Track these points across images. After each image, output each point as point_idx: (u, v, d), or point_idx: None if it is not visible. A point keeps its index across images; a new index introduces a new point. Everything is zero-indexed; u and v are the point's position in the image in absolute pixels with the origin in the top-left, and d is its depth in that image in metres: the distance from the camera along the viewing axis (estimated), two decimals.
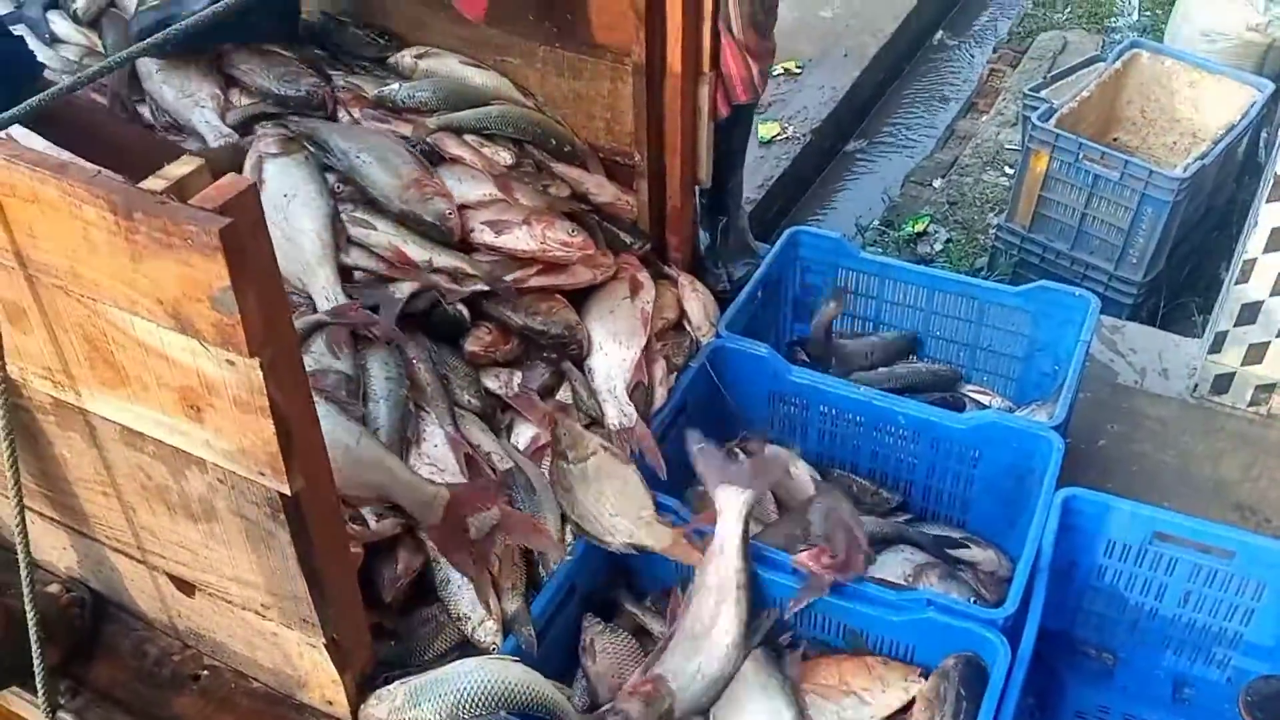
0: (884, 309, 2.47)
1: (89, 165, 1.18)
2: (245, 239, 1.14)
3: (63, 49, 2.41)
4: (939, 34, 4.91)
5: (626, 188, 2.36)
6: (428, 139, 2.23)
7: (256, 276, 1.17)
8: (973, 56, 4.80)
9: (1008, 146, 3.95)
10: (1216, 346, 2.45)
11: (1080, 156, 2.84)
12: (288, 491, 1.35)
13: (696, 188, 2.36)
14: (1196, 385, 2.52)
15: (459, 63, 2.40)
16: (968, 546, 2.04)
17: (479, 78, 2.37)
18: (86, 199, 1.17)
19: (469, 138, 2.27)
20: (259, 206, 1.16)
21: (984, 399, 2.36)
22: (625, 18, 2.07)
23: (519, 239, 2.08)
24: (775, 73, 4.36)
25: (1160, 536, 1.87)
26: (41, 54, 2.33)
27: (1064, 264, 3.03)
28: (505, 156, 2.26)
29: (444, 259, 2.05)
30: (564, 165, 2.39)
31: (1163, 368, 2.59)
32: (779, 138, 4.07)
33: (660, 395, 2.06)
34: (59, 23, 2.42)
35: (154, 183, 1.15)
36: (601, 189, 2.37)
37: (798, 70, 4.39)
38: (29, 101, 1.22)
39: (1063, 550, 1.88)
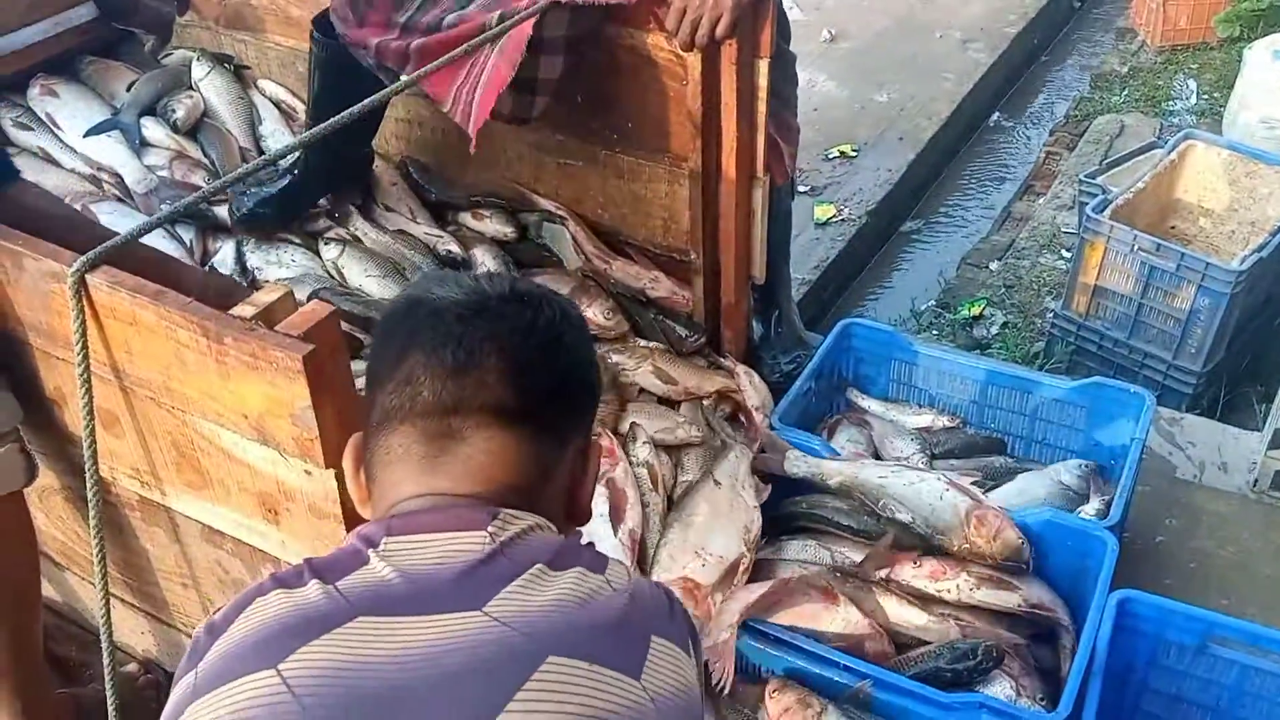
0: (938, 400, 2.50)
1: (182, 295, 1.29)
2: (325, 362, 1.23)
3: (151, 153, 2.57)
4: (995, 116, 4.96)
5: (682, 283, 2.44)
6: None
7: (334, 395, 1.26)
8: (1029, 138, 4.83)
9: (1065, 230, 3.95)
10: (1276, 442, 2.43)
11: (1135, 248, 2.86)
12: None
13: (750, 283, 2.43)
14: (1256, 480, 2.49)
15: None
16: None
17: None
18: (181, 323, 1.27)
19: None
20: (338, 331, 1.26)
21: None
22: (683, 126, 2.17)
23: None
24: (831, 156, 4.45)
25: (1216, 640, 1.86)
26: (129, 163, 2.51)
27: (1121, 352, 3.03)
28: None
29: None
30: (623, 260, 2.48)
31: (1222, 461, 2.57)
32: (834, 220, 4.13)
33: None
34: (151, 128, 2.59)
35: (244, 309, 1.25)
36: (657, 284, 2.46)
37: (853, 154, 4.47)
38: (173, 208, 1.34)
39: (1118, 652, 1.87)
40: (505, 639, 0.83)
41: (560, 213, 2.51)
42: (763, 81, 2.11)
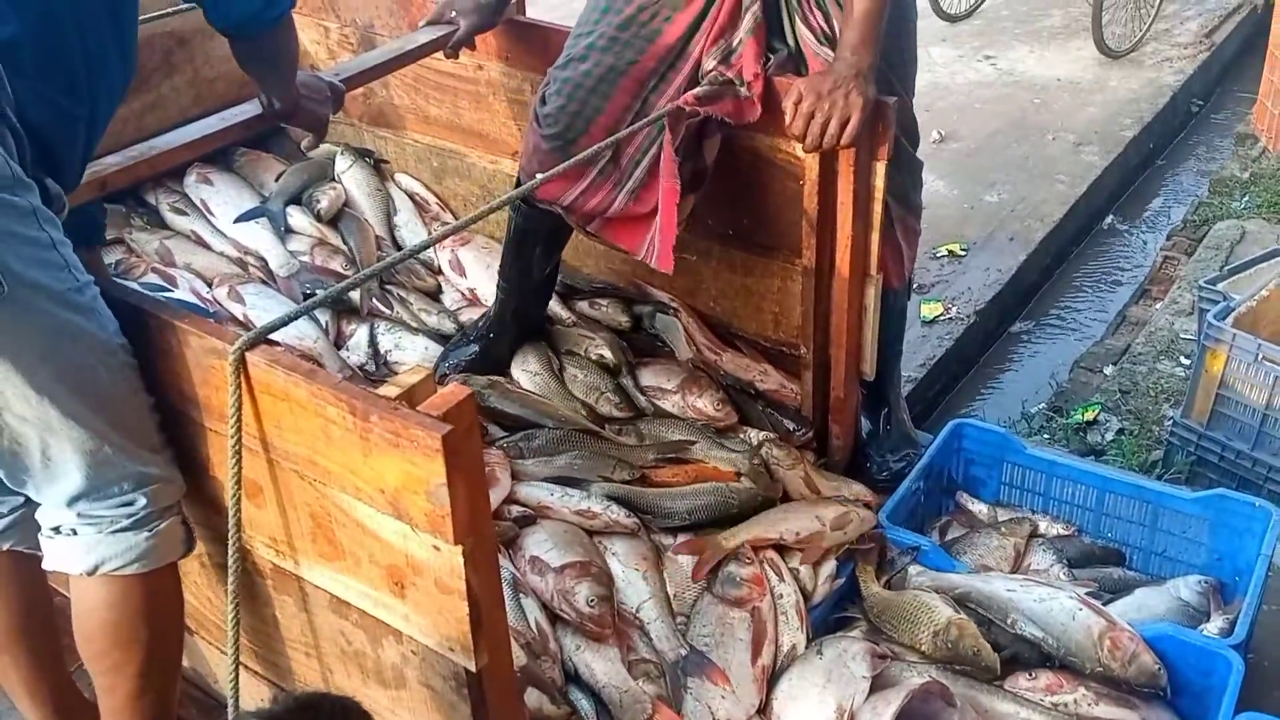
0: (1051, 506, 2.45)
1: (332, 374, 1.38)
2: (461, 442, 1.29)
3: (294, 240, 2.75)
4: (1109, 219, 4.91)
5: (792, 377, 2.47)
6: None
7: (466, 474, 1.32)
8: (1145, 243, 4.76)
9: (1184, 336, 3.86)
10: None
11: (1260, 357, 2.78)
12: (473, 668, 1.46)
13: (860, 379, 2.45)
14: None
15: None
16: None
17: None
18: (331, 401, 1.36)
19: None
20: (474, 413, 1.32)
21: None
22: (798, 225, 2.23)
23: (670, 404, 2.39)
24: (939, 254, 4.45)
25: None
26: (274, 248, 2.69)
27: (1244, 464, 2.92)
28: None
29: None
30: (733, 352, 2.53)
31: None
32: (942, 318, 4.11)
33: (823, 592, 2.11)
34: (296, 217, 2.77)
35: (389, 389, 1.33)
36: (767, 377, 2.49)
37: (962, 253, 4.46)
38: (326, 293, 1.45)
39: None
40: None
41: (673, 304, 2.58)
42: (879, 183, 2.15)
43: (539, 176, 1.92)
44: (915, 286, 4.23)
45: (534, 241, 2.40)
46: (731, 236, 2.42)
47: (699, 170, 2.20)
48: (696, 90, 2.07)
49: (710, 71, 2.07)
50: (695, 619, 1.94)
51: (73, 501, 1.54)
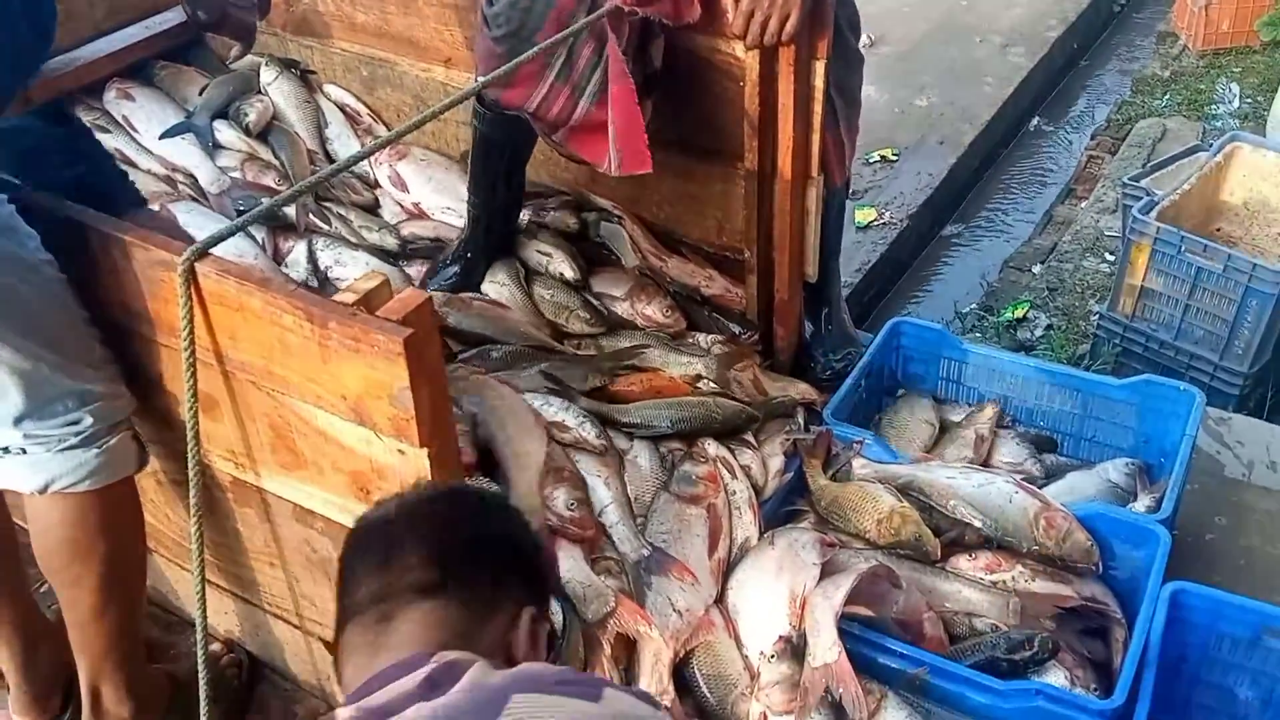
0: (988, 398, 2.54)
1: (286, 282, 1.36)
2: (423, 346, 1.30)
3: (223, 155, 2.67)
4: (1035, 120, 4.99)
5: (736, 281, 2.50)
6: None
7: (429, 378, 1.33)
8: (1070, 142, 4.85)
9: (1108, 233, 3.98)
10: None
11: (1182, 249, 2.89)
12: None
13: (803, 281, 2.48)
14: None
15: None
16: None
17: None
18: (287, 309, 1.35)
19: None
20: (434, 317, 1.32)
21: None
22: (739, 127, 2.23)
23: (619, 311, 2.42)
24: (872, 159, 4.49)
25: (1270, 633, 1.88)
26: (202, 165, 2.61)
27: (1168, 354, 3.05)
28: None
29: None
30: (678, 258, 2.55)
31: (1270, 460, 2.59)
32: (875, 223, 4.17)
33: (773, 487, 2.17)
34: (224, 131, 2.68)
35: (346, 296, 1.33)
36: (712, 282, 2.52)
37: (894, 157, 4.51)
38: (255, 210, 1.42)
39: (1171, 643, 1.90)
40: (472, 696, 1.00)
41: (617, 212, 2.58)
42: (819, 83, 2.16)
43: (480, 80, 1.89)
44: (850, 192, 4.28)
45: (500, 152, 2.36)
46: (673, 142, 2.40)
47: (650, 74, 2.18)
48: None
49: None
50: (653, 517, 1.99)
51: (18, 422, 1.52)
